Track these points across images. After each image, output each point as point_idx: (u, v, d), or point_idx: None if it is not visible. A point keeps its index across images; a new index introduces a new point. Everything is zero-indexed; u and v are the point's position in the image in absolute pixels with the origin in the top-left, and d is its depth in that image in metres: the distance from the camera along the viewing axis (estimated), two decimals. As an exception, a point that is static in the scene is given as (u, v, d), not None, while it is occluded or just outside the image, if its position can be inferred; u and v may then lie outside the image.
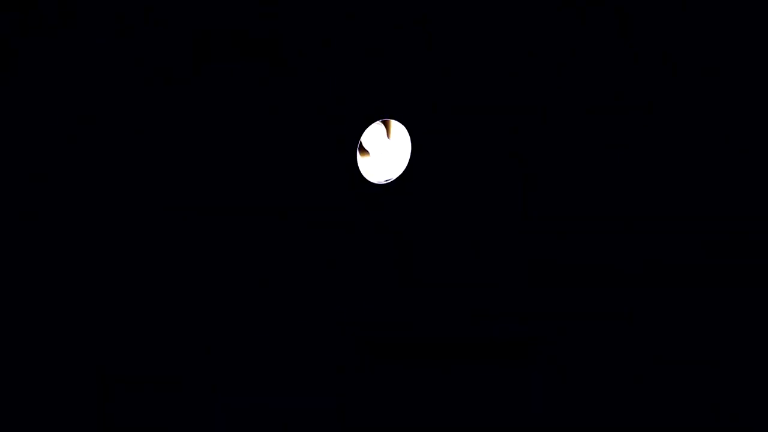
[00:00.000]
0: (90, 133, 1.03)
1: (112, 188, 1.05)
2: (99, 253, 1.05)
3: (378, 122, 1.24)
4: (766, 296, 1.08)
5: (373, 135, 1.27)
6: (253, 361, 1.08)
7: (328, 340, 1.17)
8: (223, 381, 1.06)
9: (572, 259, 1.27)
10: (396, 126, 1.26)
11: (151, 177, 1.10)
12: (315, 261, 1.36)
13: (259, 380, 1.07)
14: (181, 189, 1.15)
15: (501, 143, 1.34)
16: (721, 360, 1.10)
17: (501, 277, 1.33)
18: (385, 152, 1.28)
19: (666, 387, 1.15)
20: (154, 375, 1.06)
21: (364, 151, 1.28)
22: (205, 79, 1.23)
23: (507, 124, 1.34)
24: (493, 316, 1.31)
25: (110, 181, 1.05)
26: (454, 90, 1.40)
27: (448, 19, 1.39)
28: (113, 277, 1.06)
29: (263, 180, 1.29)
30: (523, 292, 1.30)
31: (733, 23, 1.11)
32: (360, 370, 1.08)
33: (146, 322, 1.08)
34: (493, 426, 0.83)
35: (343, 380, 1.08)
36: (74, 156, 1.02)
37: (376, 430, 1.01)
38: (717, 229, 1.13)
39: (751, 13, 1.09)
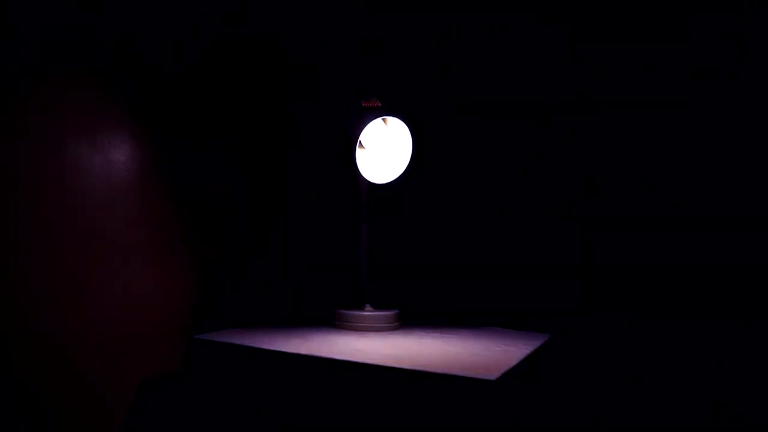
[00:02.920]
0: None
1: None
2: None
3: (378, 119, 1.22)
4: None
5: (372, 132, 1.25)
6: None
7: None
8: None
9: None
10: (396, 123, 1.24)
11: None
12: None
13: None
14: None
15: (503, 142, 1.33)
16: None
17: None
18: (385, 151, 1.26)
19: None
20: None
21: (363, 149, 1.26)
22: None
23: (507, 123, 1.33)
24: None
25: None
26: (456, 88, 1.38)
27: (450, 18, 1.36)
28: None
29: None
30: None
31: None
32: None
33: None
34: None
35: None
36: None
37: None
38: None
39: None
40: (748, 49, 1.10)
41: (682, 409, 1.14)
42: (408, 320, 1.30)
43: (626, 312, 1.20)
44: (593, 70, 1.24)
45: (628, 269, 1.20)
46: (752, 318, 1.10)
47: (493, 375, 0.80)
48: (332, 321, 1.25)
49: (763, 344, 1.08)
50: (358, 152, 1.23)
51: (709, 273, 1.14)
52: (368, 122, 1.20)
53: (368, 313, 1.22)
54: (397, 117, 1.22)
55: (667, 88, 1.17)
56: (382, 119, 1.23)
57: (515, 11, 1.31)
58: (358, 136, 1.20)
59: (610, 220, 1.22)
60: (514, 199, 1.32)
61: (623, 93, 1.21)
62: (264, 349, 0.99)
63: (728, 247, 1.12)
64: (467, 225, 1.38)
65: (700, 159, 1.15)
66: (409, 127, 1.23)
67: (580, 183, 1.26)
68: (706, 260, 1.14)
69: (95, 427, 1.00)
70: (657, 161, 1.18)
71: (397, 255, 1.44)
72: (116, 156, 1.04)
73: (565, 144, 1.27)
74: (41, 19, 0.92)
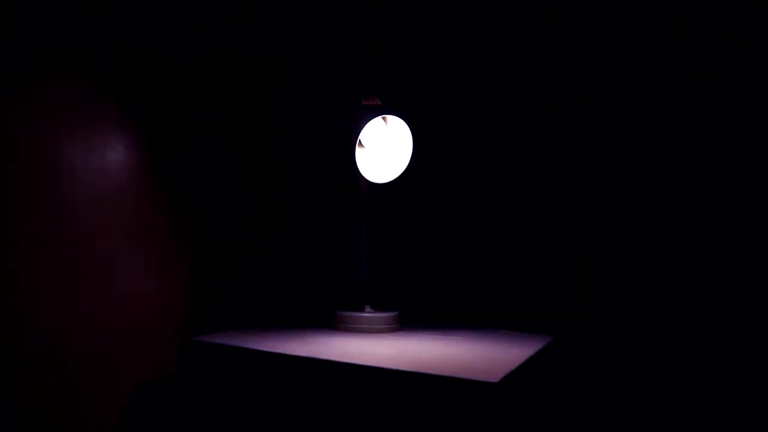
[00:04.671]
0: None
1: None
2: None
3: (378, 118, 1.21)
4: None
5: (372, 131, 1.23)
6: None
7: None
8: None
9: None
10: (396, 122, 1.23)
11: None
12: None
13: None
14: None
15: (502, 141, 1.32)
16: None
17: None
18: (384, 150, 1.25)
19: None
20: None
21: (362, 147, 1.24)
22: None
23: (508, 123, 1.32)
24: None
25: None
26: (456, 88, 1.37)
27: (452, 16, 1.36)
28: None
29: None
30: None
31: None
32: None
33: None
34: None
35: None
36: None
37: None
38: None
39: None
40: (748, 49, 1.10)
41: (683, 411, 1.13)
42: (408, 322, 1.28)
43: (626, 312, 1.19)
44: (593, 70, 1.23)
45: (628, 269, 1.20)
46: (753, 318, 1.09)
47: (495, 377, 0.79)
48: (331, 323, 1.23)
49: (763, 344, 1.08)
50: (358, 151, 1.21)
51: (709, 273, 1.13)
52: (368, 121, 1.18)
53: (368, 314, 1.20)
54: (398, 116, 1.21)
55: (667, 88, 1.17)
56: (382, 118, 1.22)
57: (515, 11, 1.30)
58: (358, 134, 1.19)
59: (610, 220, 1.22)
60: (514, 199, 1.32)
61: (623, 93, 1.21)
62: (261, 351, 0.98)
63: (728, 247, 1.12)
64: (467, 225, 1.37)
65: (700, 159, 1.15)
66: (409, 126, 1.21)
67: (580, 183, 1.25)
68: (706, 260, 1.14)
69: (89, 430, 0.98)
70: (657, 161, 1.18)
71: (398, 255, 1.42)
72: (112, 156, 1.02)
73: (565, 144, 1.27)
74: (40, 18, 0.90)
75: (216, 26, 1.23)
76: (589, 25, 1.24)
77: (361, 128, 1.18)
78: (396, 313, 1.23)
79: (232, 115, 1.31)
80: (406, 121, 1.21)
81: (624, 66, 1.20)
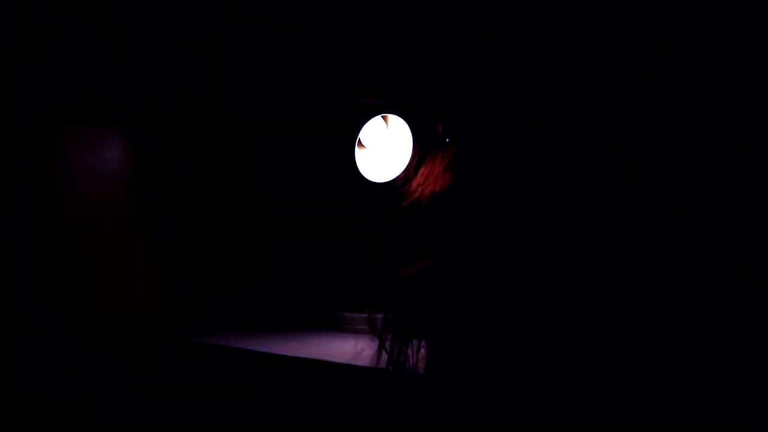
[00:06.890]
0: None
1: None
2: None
3: (378, 117, 1.20)
4: None
5: (372, 131, 1.23)
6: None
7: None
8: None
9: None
10: (396, 122, 1.22)
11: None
12: None
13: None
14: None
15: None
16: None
17: None
18: (385, 149, 1.24)
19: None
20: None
21: (362, 146, 1.23)
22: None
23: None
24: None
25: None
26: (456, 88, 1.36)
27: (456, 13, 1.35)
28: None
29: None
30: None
31: None
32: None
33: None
34: None
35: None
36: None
37: None
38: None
39: None
40: (751, 49, 1.10)
41: (685, 412, 1.12)
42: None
43: (627, 312, 1.18)
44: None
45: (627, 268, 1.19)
46: (751, 319, 1.08)
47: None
48: (333, 324, 1.22)
49: (762, 343, 1.07)
50: (358, 151, 1.21)
51: (708, 272, 1.12)
52: (368, 120, 1.17)
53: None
54: (398, 115, 1.20)
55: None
56: (383, 117, 1.21)
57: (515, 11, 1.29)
58: (358, 134, 1.18)
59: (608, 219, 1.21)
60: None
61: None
62: (261, 353, 0.97)
63: (728, 247, 1.11)
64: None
65: (699, 159, 1.14)
66: (410, 126, 1.20)
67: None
68: (705, 260, 1.13)
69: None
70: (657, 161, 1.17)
71: (400, 256, 1.41)
72: (109, 155, 1.01)
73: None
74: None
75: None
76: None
77: (362, 127, 1.17)
78: (397, 313, 1.21)
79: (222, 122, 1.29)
80: (407, 121, 1.20)
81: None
